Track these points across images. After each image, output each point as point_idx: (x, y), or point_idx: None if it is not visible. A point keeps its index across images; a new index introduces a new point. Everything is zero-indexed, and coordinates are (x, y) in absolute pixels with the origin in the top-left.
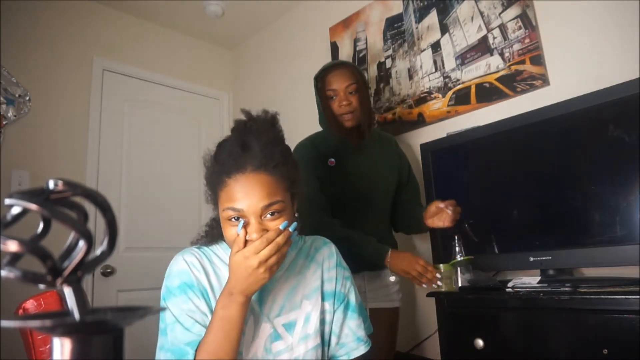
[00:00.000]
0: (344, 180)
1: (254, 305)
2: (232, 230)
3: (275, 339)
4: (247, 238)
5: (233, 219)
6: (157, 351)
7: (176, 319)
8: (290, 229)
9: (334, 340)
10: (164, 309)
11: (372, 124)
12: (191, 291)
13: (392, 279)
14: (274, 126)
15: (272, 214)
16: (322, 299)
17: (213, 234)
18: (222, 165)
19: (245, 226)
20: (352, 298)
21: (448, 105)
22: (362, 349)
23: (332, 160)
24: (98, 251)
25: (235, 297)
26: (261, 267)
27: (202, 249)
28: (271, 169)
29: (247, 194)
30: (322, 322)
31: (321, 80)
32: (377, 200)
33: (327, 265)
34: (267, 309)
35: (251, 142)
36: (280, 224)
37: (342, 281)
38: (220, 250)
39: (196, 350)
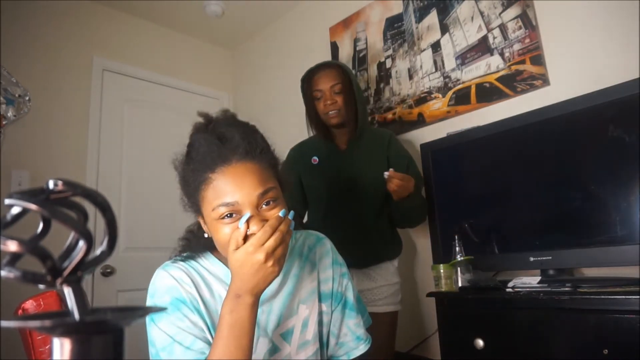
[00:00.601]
0: (328, 179)
1: None
2: (227, 230)
3: (273, 352)
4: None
5: (226, 217)
6: None
7: (172, 339)
8: (290, 217)
9: (332, 341)
10: (164, 308)
11: (365, 123)
12: (185, 307)
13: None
14: (237, 122)
15: (268, 203)
16: (319, 300)
17: (192, 247)
18: (201, 163)
19: (248, 220)
20: (350, 295)
21: (448, 105)
22: (362, 348)
23: (315, 158)
24: (98, 251)
25: (243, 298)
26: (269, 260)
27: (188, 262)
28: (258, 155)
29: (238, 184)
30: (320, 323)
31: (307, 81)
32: (365, 198)
33: (322, 265)
34: (264, 322)
35: (228, 133)
36: (278, 212)
37: (339, 279)
38: (207, 264)
39: None
